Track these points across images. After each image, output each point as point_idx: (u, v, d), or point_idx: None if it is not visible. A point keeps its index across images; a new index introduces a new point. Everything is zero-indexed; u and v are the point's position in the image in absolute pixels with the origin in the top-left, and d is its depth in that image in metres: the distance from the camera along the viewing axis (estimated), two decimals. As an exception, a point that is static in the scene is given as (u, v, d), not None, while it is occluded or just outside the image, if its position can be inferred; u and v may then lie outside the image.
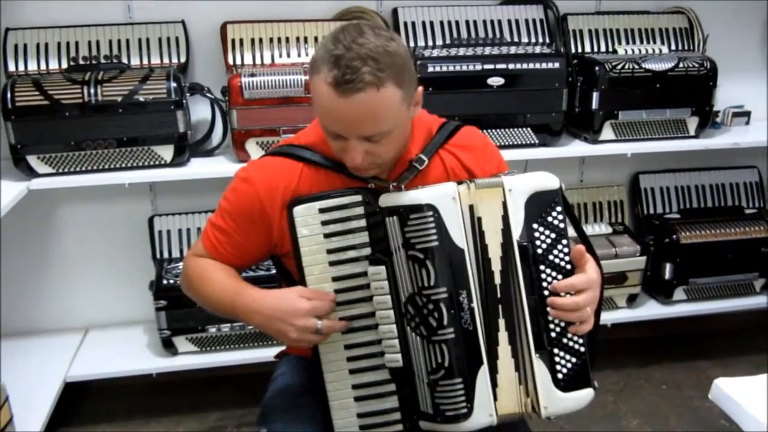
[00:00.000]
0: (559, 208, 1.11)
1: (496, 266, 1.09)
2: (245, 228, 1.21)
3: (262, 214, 1.19)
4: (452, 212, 1.08)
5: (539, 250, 1.09)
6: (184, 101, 1.94)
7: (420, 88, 1.13)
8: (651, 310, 2.43)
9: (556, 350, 1.09)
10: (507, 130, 2.11)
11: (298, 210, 1.14)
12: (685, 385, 2.40)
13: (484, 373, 1.08)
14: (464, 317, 1.07)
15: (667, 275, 2.37)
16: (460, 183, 1.11)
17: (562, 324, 1.09)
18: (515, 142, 2.14)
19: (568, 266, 1.10)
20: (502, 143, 2.12)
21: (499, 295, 1.09)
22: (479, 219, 1.09)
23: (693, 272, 2.38)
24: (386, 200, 1.11)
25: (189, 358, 2.15)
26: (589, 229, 2.40)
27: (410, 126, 1.18)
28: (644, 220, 2.48)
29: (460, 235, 1.09)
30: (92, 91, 1.88)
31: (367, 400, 1.14)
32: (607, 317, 2.36)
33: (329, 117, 1.07)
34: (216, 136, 2.14)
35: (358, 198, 1.13)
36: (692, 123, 2.25)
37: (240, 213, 1.20)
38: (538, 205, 1.10)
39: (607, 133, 2.20)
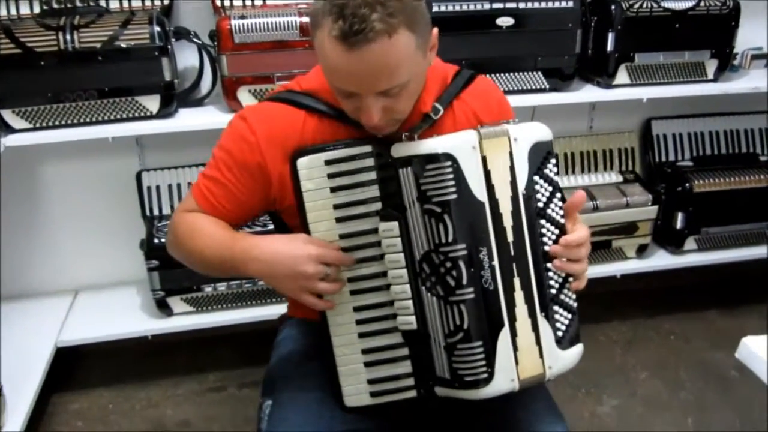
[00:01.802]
0: (553, 160, 1.06)
1: (507, 222, 1.02)
2: (242, 179, 1.10)
3: (261, 163, 1.09)
4: (472, 162, 1.00)
5: (539, 204, 1.04)
6: (169, 47, 1.80)
7: (435, 30, 1.02)
8: (661, 260, 2.36)
9: (555, 307, 1.05)
10: (516, 74, 1.99)
11: (302, 162, 1.04)
12: (694, 336, 2.36)
13: (505, 335, 1.01)
14: (484, 276, 1.00)
15: (679, 225, 2.30)
16: (475, 129, 1.02)
17: (560, 280, 1.06)
18: (524, 87, 2.02)
19: (562, 220, 1.06)
20: (511, 88, 2.00)
21: (512, 253, 1.02)
22: (489, 172, 1.00)
23: (705, 221, 2.31)
24: (399, 150, 1.02)
25: (185, 319, 2.06)
26: (599, 178, 2.30)
27: (426, 74, 1.07)
28: (656, 168, 2.38)
29: (480, 187, 1.00)
30: (68, 37, 1.74)
31: (378, 365, 1.07)
32: (617, 268, 2.30)
33: (339, 74, 0.96)
34: (205, 85, 2.01)
35: (368, 148, 1.03)
36: (711, 66, 2.13)
37: (236, 162, 1.10)
38: (537, 156, 1.04)
39: (621, 77, 2.08)
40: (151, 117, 1.86)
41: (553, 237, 1.06)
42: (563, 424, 1.11)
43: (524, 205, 1.02)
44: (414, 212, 1.00)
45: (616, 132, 2.38)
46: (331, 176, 1.03)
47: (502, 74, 1.98)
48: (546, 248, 1.05)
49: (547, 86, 2.03)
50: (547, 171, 1.05)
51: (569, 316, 1.07)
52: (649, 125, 2.41)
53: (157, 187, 2.11)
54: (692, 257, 2.36)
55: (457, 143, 0.99)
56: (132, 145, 2.12)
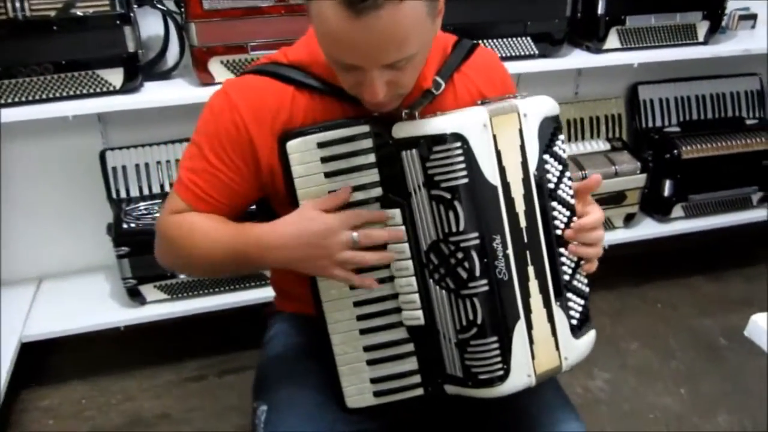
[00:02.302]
0: (562, 136, 0.99)
1: (520, 206, 0.94)
2: (232, 164, 0.99)
3: (249, 143, 0.98)
4: (483, 142, 0.91)
5: (550, 185, 0.97)
6: (131, 14, 1.65)
7: None
8: (648, 229, 2.32)
9: (569, 294, 0.99)
10: (504, 40, 1.89)
11: (292, 145, 0.93)
12: (681, 303, 2.34)
13: (521, 328, 0.94)
14: (498, 266, 0.92)
15: (666, 192, 2.25)
16: (484, 105, 0.94)
17: (572, 265, 0.99)
18: (513, 54, 1.92)
19: (573, 200, 0.99)
20: (499, 55, 1.88)
21: (526, 240, 0.95)
22: (499, 152, 0.92)
23: (693, 188, 2.27)
24: (401, 130, 0.93)
25: (159, 307, 1.94)
26: (587, 146, 2.24)
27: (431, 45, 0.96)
28: (643, 135, 2.32)
29: (492, 169, 0.92)
30: (18, 5, 1.57)
31: (381, 363, 0.99)
32: (605, 239, 2.24)
33: (341, 45, 0.84)
34: (171, 55, 1.86)
35: (365, 129, 0.93)
36: (702, 28, 2.07)
37: (223, 145, 0.98)
38: (545, 132, 0.96)
39: (612, 41, 2.00)
40: (114, 92, 1.71)
41: (565, 219, 0.99)
42: (581, 424, 1.05)
43: (536, 187, 0.95)
44: (420, 198, 0.92)
45: (603, 98, 2.30)
46: (324, 160, 0.94)
47: (489, 40, 1.88)
48: (558, 232, 0.98)
49: (536, 52, 1.94)
50: (556, 148, 0.98)
51: (582, 302, 1.01)
52: (635, 90, 2.34)
53: (123, 167, 1.96)
54: (679, 225, 2.33)
55: (467, 122, 0.90)
56: (94, 123, 1.96)
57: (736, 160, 2.24)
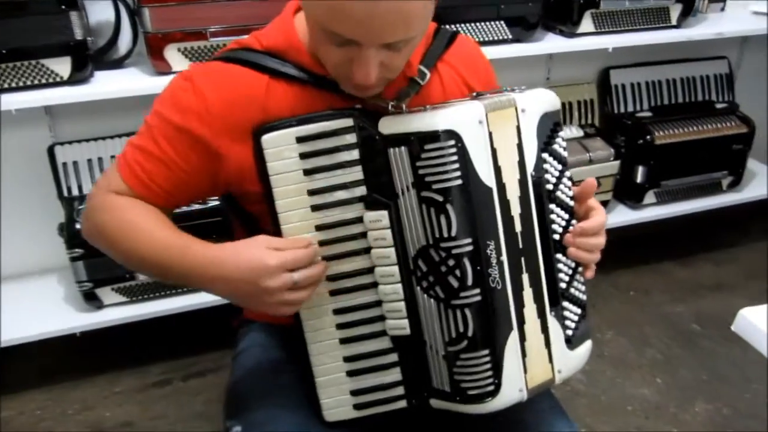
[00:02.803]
0: (562, 133, 0.93)
1: (515, 209, 0.87)
2: (184, 154, 0.90)
3: (209, 138, 0.89)
4: (479, 140, 0.83)
5: (549, 186, 0.90)
6: (78, -1, 1.52)
7: None
8: (620, 216, 2.29)
9: (565, 303, 0.93)
10: (477, 24, 1.82)
11: (267, 139, 0.85)
12: (654, 289, 2.34)
13: (514, 340, 0.88)
14: (492, 274, 0.85)
15: (639, 179, 2.23)
16: (479, 99, 0.86)
17: (569, 272, 0.93)
18: (486, 39, 1.86)
19: (572, 203, 0.94)
20: (475, 40, 1.82)
21: (521, 245, 0.88)
22: (495, 151, 0.85)
23: (665, 174, 2.25)
24: (389, 125, 0.85)
25: (118, 311, 1.82)
26: (560, 134, 2.19)
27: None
28: (615, 120, 2.29)
29: (487, 170, 0.85)
30: (-50, -13, 1.43)
31: (362, 374, 0.92)
32: (578, 227, 2.21)
33: (344, 17, 0.76)
34: (124, 43, 1.73)
35: (349, 122, 0.86)
36: (675, 11, 2.04)
37: (177, 132, 0.89)
38: (545, 129, 0.90)
39: (586, 24, 1.95)
40: (62, 83, 1.58)
41: (563, 223, 0.92)
42: (571, 423, 1.00)
43: (533, 189, 0.88)
44: (408, 200, 0.84)
45: (575, 83, 2.26)
46: (304, 156, 0.86)
47: (462, 25, 1.80)
48: (556, 237, 0.92)
49: (510, 36, 1.88)
50: (555, 146, 0.91)
51: (579, 311, 0.95)
52: (607, 75, 2.30)
53: (75, 163, 1.82)
54: (651, 211, 2.31)
55: (461, 117, 0.83)
56: (41, 116, 1.82)
57: (708, 145, 2.23)
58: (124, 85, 1.62)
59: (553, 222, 0.91)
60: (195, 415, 1.81)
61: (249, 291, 0.83)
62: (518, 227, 0.87)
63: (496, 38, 1.87)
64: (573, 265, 0.94)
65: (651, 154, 2.18)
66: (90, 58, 1.60)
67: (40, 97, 1.57)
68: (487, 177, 0.84)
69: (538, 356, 0.90)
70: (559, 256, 0.92)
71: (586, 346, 0.96)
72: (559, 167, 0.92)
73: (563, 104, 2.22)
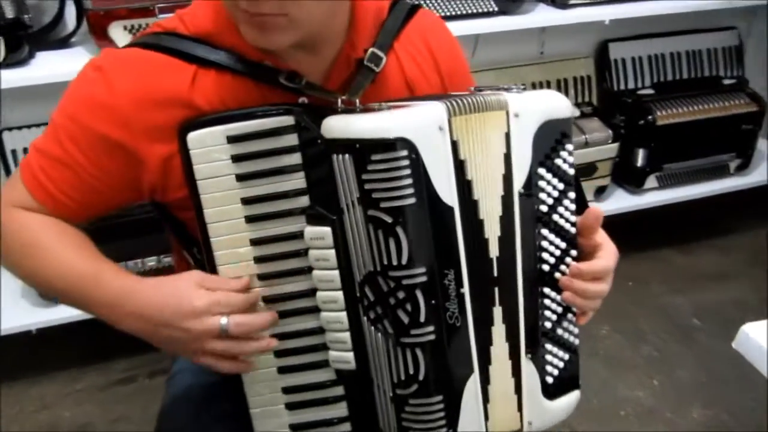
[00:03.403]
0: (570, 146, 0.80)
1: (493, 230, 0.75)
2: (95, 157, 0.77)
3: (124, 139, 0.76)
4: (438, 151, 0.71)
5: (543, 207, 0.78)
6: (9, -30, 1.36)
7: None
8: (620, 201, 2.16)
9: (548, 345, 0.81)
10: (459, -5, 1.65)
11: (193, 138, 0.73)
12: (653, 279, 2.21)
13: (474, 384, 0.76)
14: (450, 309, 0.73)
15: (640, 162, 2.09)
16: (445, 100, 0.72)
17: (559, 309, 0.81)
18: (469, 11, 1.70)
19: (573, 229, 0.80)
20: (453, 13, 1.67)
21: (496, 273, 0.76)
22: (462, 162, 0.72)
23: (667, 157, 2.10)
24: (333, 127, 0.72)
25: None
26: (554, 114, 2.03)
27: None
28: (614, 98, 2.13)
29: (448, 186, 0.72)
30: None
31: (304, 408, 0.81)
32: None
33: None
34: (70, 20, 1.57)
35: (290, 120, 0.74)
36: (677, -24, 1.85)
37: (86, 133, 0.76)
38: (546, 139, 0.78)
39: (578, -8, 1.77)
40: (-3, 66, 1.43)
41: (557, 252, 0.80)
42: None
43: (520, 208, 0.76)
44: (354, 217, 0.72)
45: (570, 58, 2.09)
46: (237, 159, 0.74)
47: (443, -5, 1.63)
48: (546, 267, 0.79)
49: (496, 8, 1.71)
50: (558, 161, 0.79)
51: (566, 356, 0.83)
52: (605, 48, 2.13)
53: (25, 150, 1.69)
54: (652, 196, 2.17)
55: (416, 122, 0.70)
56: (-16, 98, 1.68)
57: (714, 125, 2.08)
58: (67, 66, 1.45)
59: (544, 250, 0.79)
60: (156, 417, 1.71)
61: (167, 334, 0.73)
62: (494, 252, 0.75)
63: (480, 10, 1.70)
64: (565, 303, 0.81)
65: (653, 136, 2.03)
66: (28, 38, 1.45)
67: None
68: (448, 194, 0.71)
69: (504, 402, 0.79)
70: (547, 290, 0.80)
71: (570, 398, 0.84)
72: (560, 186, 0.79)
73: (558, 81, 2.06)
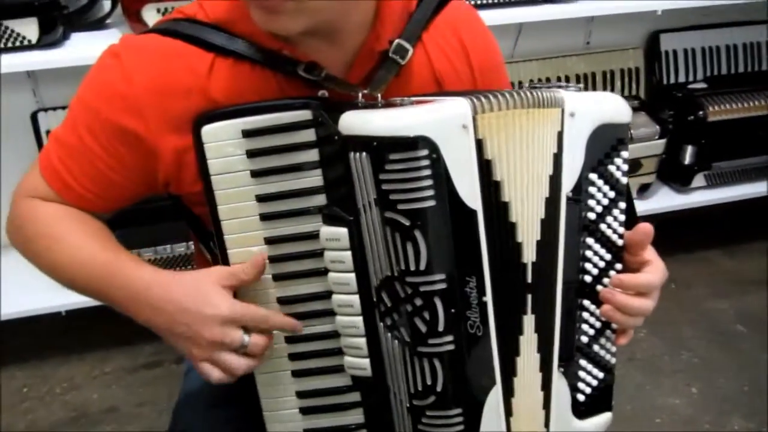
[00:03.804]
0: (625, 154, 0.75)
1: (529, 234, 0.70)
2: (112, 148, 0.76)
3: (140, 129, 0.74)
4: (461, 151, 0.66)
5: (591, 215, 0.74)
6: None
7: None
8: (665, 200, 2.07)
9: (583, 362, 0.77)
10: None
11: (208, 131, 0.71)
12: (696, 282, 2.12)
13: (495, 398, 0.72)
14: (471, 318, 0.69)
15: (688, 160, 1.99)
16: (471, 96, 0.67)
17: (599, 324, 0.76)
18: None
19: (620, 242, 0.75)
20: (490, 1, 1.59)
21: (529, 279, 0.70)
22: (488, 162, 0.67)
23: (717, 155, 2.00)
24: (350, 123, 0.68)
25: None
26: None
27: None
28: (663, 92, 2.03)
29: (470, 188, 0.67)
30: None
31: (318, 413, 0.78)
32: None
33: None
34: (106, 1, 1.57)
35: (306, 115, 0.70)
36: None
37: (103, 123, 0.75)
38: (601, 144, 0.73)
39: (630, -20, 1.69)
40: (31, 46, 1.43)
41: (602, 264, 0.75)
42: None
43: (566, 213, 0.72)
44: (370, 218, 0.68)
45: (618, 49, 2.00)
46: (252, 154, 0.71)
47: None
48: (588, 279, 0.74)
49: (539, -5, 1.63)
50: (612, 168, 0.74)
51: (601, 375, 0.77)
52: (656, 39, 2.03)
53: (59, 131, 1.70)
54: (699, 195, 2.08)
55: (439, 120, 0.65)
56: (23, 80, 1.69)
57: (768, 122, 1.96)
58: (103, 48, 1.45)
59: (587, 260, 0.74)
60: (183, 403, 1.72)
61: (184, 333, 0.70)
62: (528, 257, 0.70)
63: (522, -1, 1.62)
64: (604, 318, 0.76)
65: (702, 132, 1.93)
66: (63, 19, 1.45)
67: (7, 62, 1.41)
68: (470, 197, 0.66)
69: (529, 417, 0.74)
70: (586, 302, 0.75)
71: (600, 420, 0.79)
72: (611, 195, 0.74)
73: (604, 73, 1.97)
